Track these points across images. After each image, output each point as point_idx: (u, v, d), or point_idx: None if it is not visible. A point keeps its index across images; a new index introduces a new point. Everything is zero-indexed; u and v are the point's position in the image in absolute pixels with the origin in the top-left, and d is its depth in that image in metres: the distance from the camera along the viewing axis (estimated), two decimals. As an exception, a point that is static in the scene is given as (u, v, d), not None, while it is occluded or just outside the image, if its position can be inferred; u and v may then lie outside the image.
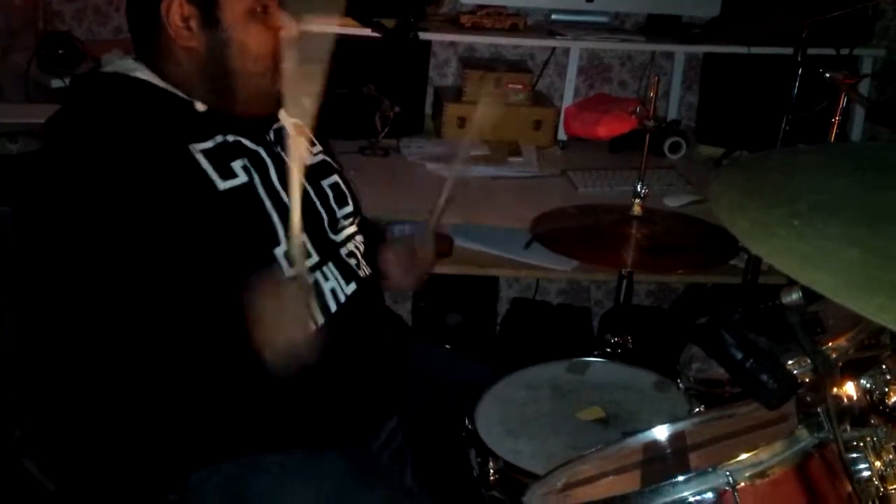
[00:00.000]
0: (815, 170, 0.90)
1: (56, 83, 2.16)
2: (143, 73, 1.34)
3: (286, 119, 1.48)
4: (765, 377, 0.92)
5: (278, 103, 1.43)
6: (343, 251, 1.49)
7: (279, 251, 1.36)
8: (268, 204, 1.37)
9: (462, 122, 2.61)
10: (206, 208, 1.30)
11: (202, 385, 1.32)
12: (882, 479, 0.92)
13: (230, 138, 1.36)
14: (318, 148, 1.56)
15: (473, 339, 2.65)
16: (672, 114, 2.88)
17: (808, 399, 0.91)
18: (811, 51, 1.98)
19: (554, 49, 2.79)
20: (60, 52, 2.23)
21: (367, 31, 2.25)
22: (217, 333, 1.29)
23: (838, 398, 0.89)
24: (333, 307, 1.42)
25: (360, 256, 1.54)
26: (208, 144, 1.33)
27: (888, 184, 0.84)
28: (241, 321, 1.27)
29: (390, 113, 2.41)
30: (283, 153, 1.43)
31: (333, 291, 1.43)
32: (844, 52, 2.57)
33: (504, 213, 2.17)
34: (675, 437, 1.12)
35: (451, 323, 2.61)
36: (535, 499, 1.12)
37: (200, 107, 1.35)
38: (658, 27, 2.73)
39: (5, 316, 2.19)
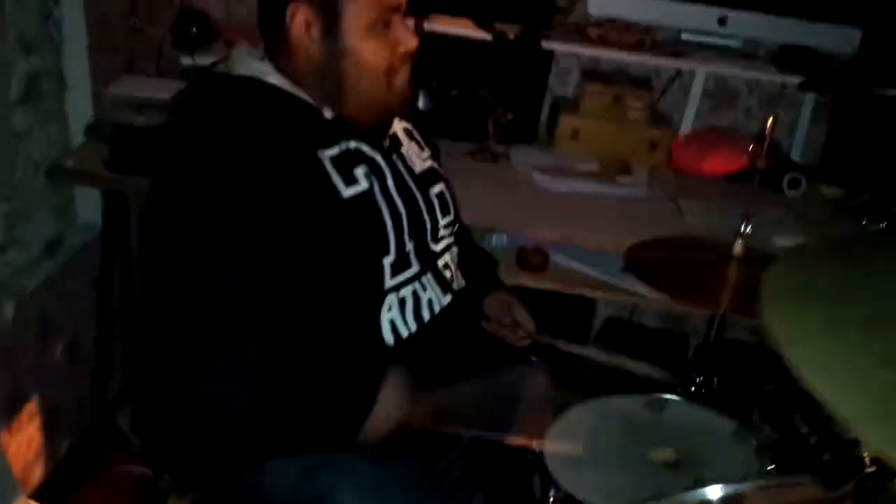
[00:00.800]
0: (868, 263, 0.83)
1: (186, 61, 2.24)
2: (274, 78, 1.37)
3: (397, 124, 1.51)
4: (827, 456, 0.88)
5: (391, 113, 1.46)
6: (440, 262, 1.51)
7: (387, 261, 1.38)
8: (384, 212, 1.39)
9: (576, 133, 2.58)
10: (330, 216, 1.33)
11: (294, 376, 1.34)
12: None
13: (352, 145, 1.39)
14: (427, 153, 1.58)
15: (564, 357, 2.62)
16: (797, 149, 2.76)
17: (869, 486, 0.86)
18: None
19: (680, 69, 2.72)
20: (194, 30, 2.31)
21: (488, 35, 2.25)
22: (313, 336, 1.33)
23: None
24: (427, 317, 1.44)
25: (454, 268, 1.55)
26: (334, 151, 1.36)
27: None
28: (337, 327, 1.31)
29: (503, 119, 2.40)
30: (397, 160, 1.46)
31: (430, 302, 1.45)
32: None
33: (603, 234, 2.13)
34: (732, 499, 1.08)
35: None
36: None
37: (328, 114, 1.38)
38: (791, 58, 2.62)
39: (114, 286, 2.33)
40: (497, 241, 2.13)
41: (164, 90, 2.15)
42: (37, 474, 2.18)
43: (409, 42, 1.36)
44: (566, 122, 2.57)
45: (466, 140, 2.49)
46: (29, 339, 2.08)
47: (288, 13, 1.32)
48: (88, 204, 2.30)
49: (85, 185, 2.24)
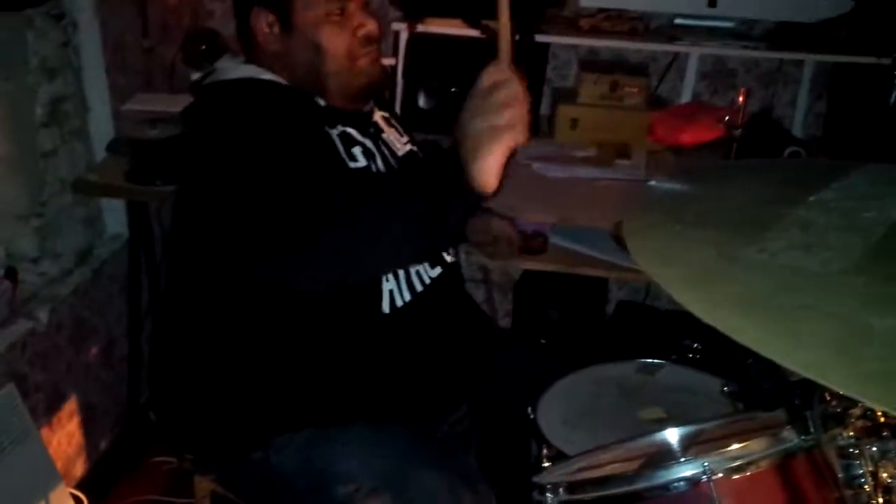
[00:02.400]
0: (739, 182, 0.93)
1: (195, 76, 2.37)
2: (268, 75, 1.48)
3: (377, 113, 1.61)
4: (766, 385, 0.96)
5: (369, 97, 1.56)
6: None
7: None
8: None
9: (574, 123, 2.65)
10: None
11: (295, 353, 1.45)
12: (887, 490, 0.93)
13: (346, 129, 1.49)
14: (406, 138, 1.67)
15: (574, 338, 2.69)
16: (798, 123, 2.80)
17: (798, 404, 0.94)
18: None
19: (677, 54, 2.78)
20: (203, 47, 2.44)
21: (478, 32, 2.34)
22: (313, 303, 1.41)
23: (828, 404, 0.91)
24: (419, 288, 1.53)
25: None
26: (335, 132, 1.47)
27: (790, 197, 0.88)
28: (337, 295, 1.39)
29: (502, 112, 2.48)
30: (382, 145, 1.56)
31: (419, 273, 1.54)
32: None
33: (601, 215, 2.20)
34: (692, 435, 1.15)
35: (552, 320, 2.67)
36: (550, 477, 1.18)
37: (321, 101, 1.48)
38: (787, 34, 2.67)
39: (142, 290, 2.45)
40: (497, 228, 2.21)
41: (176, 104, 2.26)
42: (79, 468, 2.32)
43: (368, 25, 1.46)
44: (564, 112, 2.65)
45: (469, 135, 2.57)
46: (64, 342, 2.21)
47: (251, 18, 1.45)
48: (115, 216, 2.44)
49: (109, 197, 2.37)
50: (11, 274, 2.05)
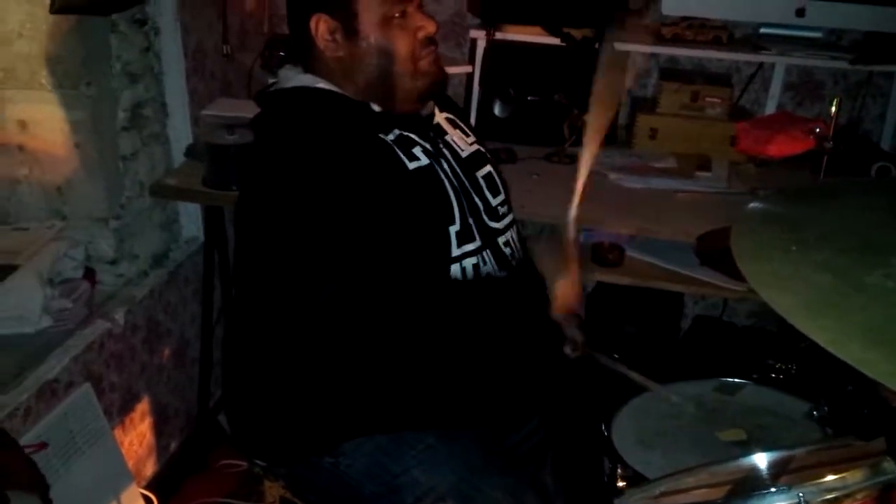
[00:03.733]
0: (852, 202, 0.87)
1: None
2: (322, 83, 1.48)
3: (439, 115, 1.59)
4: (865, 411, 0.91)
5: (430, 98, 1.54)
6: (501, 239, 1.57)
7: (453, 230, 1.47)
8: (447, 184, 1.49)
9: (654, 133, 2.60)
10: (399, 187, 1.44)
11: (366, 360, 1.44)
12: None
13: (404, 133, 1.49)
14: (472, 139, 1.65)
15: (649, 354, 2.62)
16: (888, 137, 2.69)
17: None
18: None
19: (761, 64, 2.70)
20: (281, 53, 2.45)
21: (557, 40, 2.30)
22: (386, 305, 1.40)
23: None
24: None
25: (515, 246, 1.61)
26: (391, 137, 1.47)
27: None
28: (408, 296, 1.39)
29: (578, 122, 2.45)
30: (443, 147, 1.54)
31: (488, 276, 1.51)
32: None
33: (679, 228, 2.14)
34: (781, 461, 1.09)
35: (628, 334, 2.61)
36: (632, 500, 1.14)
37: (376, 107, 1.48)
38: (877, 45, 2.56)
39: (215, 294, 2.48)
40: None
41: (253, 110, 2.28)
42: (149, 468, 2.35)
43: (428, 27, 1.47)
44: (643, 122, 2.60)
45: (544, 144, 2.54)
46: (138, 344, 2.24)
47: (311, 25, 1.44)
48: (191, 220, 2.47)
49: (186, 201, 2.40)
50: (90, 275, 2.09)
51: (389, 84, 1.47)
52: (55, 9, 1.84)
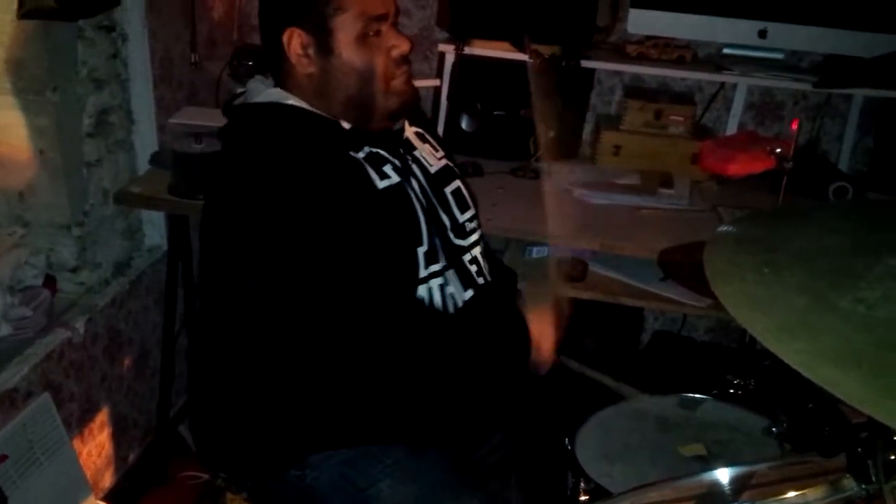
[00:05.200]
0: (823, 224, 0.90)
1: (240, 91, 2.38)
2: (292, 100, 1.47)
3: (409, 129, 1.60)
4: (826, 428, 0.93)
5: (401, 117, 1.55)
6: (466, 257, 1.57)
7: (421, 251, 1.47)
8: (416, 204, 1.48)
9: (618, 150, 2.63)
10: (368, 206, 1.43)
11: (333, 373, 1.43)
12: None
13: (374, 150, 1.48)
14: (441, 153, 1.65)
15: (609, 368, 2.64)
16: (845, 158, 2.76)
17: (860, 451, 0.90)
18: None
19: (723, 83, 2.75)
20: (250, 63, 2.45)
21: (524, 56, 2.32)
22: (353, 327, 1.40)
23: (891, 454, 0.87)
24: (452, 311, 1.51)
25: (481, 263, 1.61)
26: (361, 154, 1.47)
27: (876, 243, 0.84)
28: (375, 318, 1.39)
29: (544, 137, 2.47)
30: (412, 163, 1.55)
31: (452, 296, 1.52)
32: None
33: (643, 244, 2.17)
34: (743, 477, 1.12)
35: (588, 349, 2.63)
36: (595, 517, 1.15)
37: (346, 125, 1.48)
38: (836, 67, 2.63)
39: (178, 304, 2.45)
40: (537, 252, 2.19)
41: (221, 119, 2.28)
42: (107, 479, 2.32)
43: (402, 46, 1.47)
44: (608, 138, 2.63)
45: (510, 159, 2.57)
46: (99, 353, 2.21)
47: (284, 40, 1.43)
48: (155, 228, 2.45)
49: (150, 209, 2.38)
50: (50, 283, 2.07)
51: (361, 102, 1.46)
52: (22, 14, 1.82)
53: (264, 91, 1.50)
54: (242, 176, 1.41)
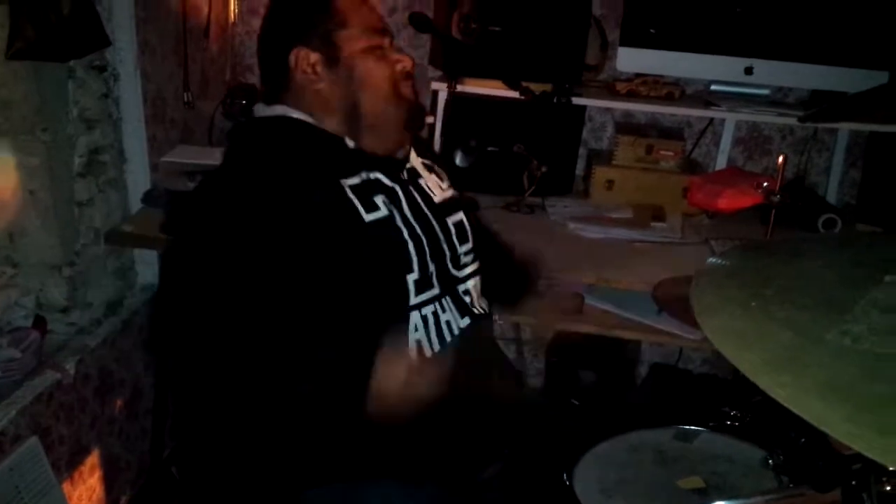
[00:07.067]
0: (810, 256, 0.91)
1: (234, 129, 2.39)
2: (298, 114, 1.48)
3: (415, 159, 1.60)
4: (820, 463, 0.93)
5: (412, 128, 1.55)
6: (461, 287, 1.57)
7: (411, 278, 1.46)
8: (405, 234, 1.47)
9: (610, 184, 2.65)
10: (353, 237, 1.42)
11: (323, 407, 1.40)
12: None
13: (372, 175, 1.48)
14: (447, 184, 1.66)
15: (607, 401, 2.64)
16: (833, 190, 2.78)
17: (855, 484, 0.89)
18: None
19: (712, 119, 2.78)
20: (243, 102, 2.47)
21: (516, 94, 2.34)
22: (343, 359, 1.38)
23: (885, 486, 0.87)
24: (448, 338, 1.50)
25: (475, 295, 1.61)
26: (355, 181, 1.46)
27: (863, 276, 0.85)
28: (367, 349, 1.37)
29: (537, 172, 2.49)
30: (414, 191, 1.55)
31: (448, 323, 1.51)
32: None
33: (637, 277, 2.17)
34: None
35: (584, 381, 2.62)
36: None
37: (350, 143, 1.48)
38: (821, 102, 2.66)
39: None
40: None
41: (214, 157, 2.28)
42: (98, 525, 2.27)
43: (405, 61, 1.49)
44: (600, 174, 2.65)
45: (503, 194, 2.58)
46: (90, 394, 2.18)
47: (291, 59, 1.45)
48: (147, 266, 2.44)
49: (142, 248, 2.37)
50: (40, 324, 2.04)
51: (371, 116, 1.47)
52: (10, 54, 1.82)
53: (270, 108, 1.51)
54: (219, 205, 1.39)
